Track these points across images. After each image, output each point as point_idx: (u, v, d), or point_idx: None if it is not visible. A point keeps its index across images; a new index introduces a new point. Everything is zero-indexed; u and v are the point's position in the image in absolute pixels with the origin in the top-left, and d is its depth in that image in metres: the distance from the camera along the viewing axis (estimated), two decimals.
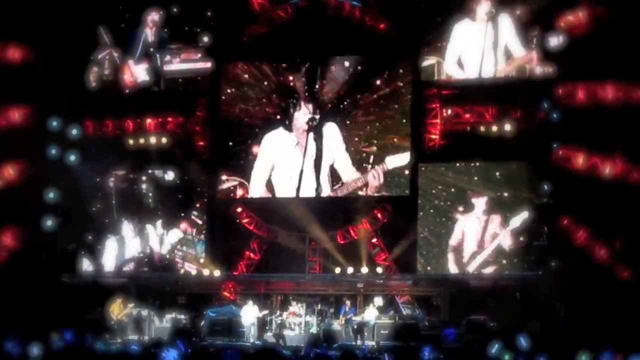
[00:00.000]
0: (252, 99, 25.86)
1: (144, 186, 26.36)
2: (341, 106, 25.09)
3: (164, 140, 26.04)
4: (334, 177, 25.02)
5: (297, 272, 25.25)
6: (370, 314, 22.99)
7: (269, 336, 23.10)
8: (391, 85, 24.85)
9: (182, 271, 25.85)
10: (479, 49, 24.00)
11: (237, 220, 25.90)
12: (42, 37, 23.95)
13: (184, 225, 25.84)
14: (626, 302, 19.33)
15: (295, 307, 23.87)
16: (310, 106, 25.13)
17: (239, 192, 25.75)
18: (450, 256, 23.97)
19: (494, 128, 23.77)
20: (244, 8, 25.87)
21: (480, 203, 23.84)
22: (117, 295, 24.02)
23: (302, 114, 25.14)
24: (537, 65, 23.25)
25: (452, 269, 23.98)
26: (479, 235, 23.75)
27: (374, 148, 24.83)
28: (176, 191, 26.05)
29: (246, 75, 25.95)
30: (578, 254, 21.07)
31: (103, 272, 25.76)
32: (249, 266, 25.81)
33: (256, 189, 25.59)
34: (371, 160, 24.75)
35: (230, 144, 25.86)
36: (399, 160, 24.48)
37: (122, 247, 25.96)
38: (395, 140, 24.76)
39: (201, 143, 26.28)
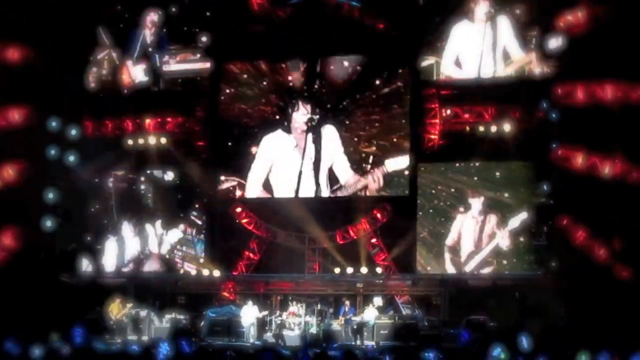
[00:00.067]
0: (251, 99, 25.87)
1: (143, 186, 26.39)
2: (340, 106, 25.09)
3: (163, 140, 26.05)
4: (333, 179, 25.03)
5: (296, 272, 25.26)
6: (370, 314, 22.97)
7: (269, 336, 23.09)
8: (390, 85, 24.85)
9: (181, 271, 25.86)
10: (477, 49, 24.01)
11: (237, 221, 25.92)
12: (42, 38, 23.95)
13: (183, 225, 25.85)
14: (626, 302, 19.34)
15: (295, 308, 23.86)
16: (309, 106, 25.14)
17: (238, 193, 25.77)
18: (447, 256, 23.98)
19: (493, 128, 23.78)
20: (243, 8, 25.88)
21: (476, 203, 23.86)
22: (116, 295, 24.02)
23: (301, 114, 25.15)
24: (536, 65, 23.26)
25: (449, 268, 24.00)
26: (476, 235, 23.75)
27: (374, 148, 24.83)
28: (175, 191, 26.06)
29: (245, 75, 25.96)
30: (577, 254, 21.07)
31: (103, 272, 25.76)
32: (249, 266, 25.82)
33: (252, 190, 25.59)
34: (370, 161, 24.76)
35: (230, 144, 25.89)
36: (399, 163, 24.49)
37: (121, 248, 25.96)
38: (394, 140, 24.76)
39: (200, 143, 26.30)
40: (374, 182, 24.63)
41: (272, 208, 25.66)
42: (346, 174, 24.93)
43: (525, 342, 17.87)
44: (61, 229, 24.83)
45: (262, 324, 23.28)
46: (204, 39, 25.89)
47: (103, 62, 26.46)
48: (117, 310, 23.69)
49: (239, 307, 24.00)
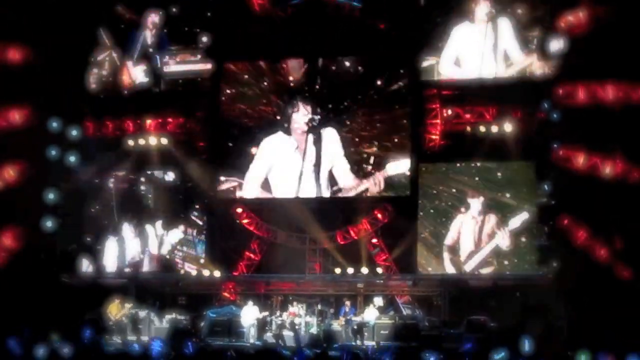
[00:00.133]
0: (251, 99, 25.87)
1: (143, 187, 26.39)
2: (341, 106, 25.08)
3: (163, 141, 26.05)
4: (333, 182, 25.01)
5: (297, 272, 25.24)
6: (371, 314, 22.95)
7: (269, 337, 23.06)
8: (391, 85, 24.85)
9: (182, 272, 25.84)
10: (478, 50, 24.01)
11: (237, 221, 25.91)
12: (43, 38, 23.94)
13: (183, 225, 25.84)
14: (626, 302, 19.31)
15: (295, 308, 23.83)
16: (309, 107, 25.13)
17: (239, 193, 25.75)
18: (446, 255, 23.97)
19: (494, 128, 23.78)
20: (244, 8, 25.88)
21: (475, 203, 23.86)
22: (115, 295, 24.01)
23: (301, 115, 25.14)
24: (536, 66, 23.25)
25: (449, 268, 23.99)
26: (476, 235, 23.75)
27: (375, 149, 24.82)
28: (176, 192, 26.06)
29: (245, 76, 25.96)
30: (578, 254, 21.04)
31: (103, 272, 25.75)
32: (249, 267, 25.81)
33: (249, 189, 25.58)
34: (372, 161, 24.74)
35: (230, 144, 25.88)
36: (400, 166, 24.46)
37: (122, 248, 25.95)
38: (395, 140, 24.75)
39: (201, 144, 26.30)
40: (374, 185, 24.63)
41: (273, 208, 25.66)
42: (346, 177, 24.91)
43: (527, 345, 17.86)
44: (61, 229, 24.83)
45: (262, 324, 23.25)
46: (204, 39, 25.90)
47: (104, 62, 26.48)
48: (116, 310, 23.68)
49: (239, 307, 23.99)
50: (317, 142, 25.01)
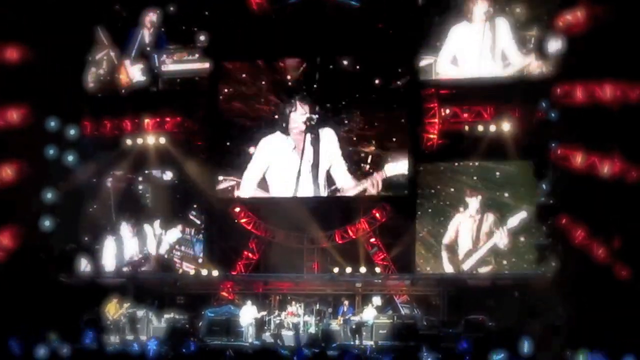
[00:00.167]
0: (249, 98, 25.87)
1: (141, 186, 26.38)
2: (339, 106, 25.07)
3: (162, 140, 26.03)
4: (331, 182, 25.01)
5: (295, 272, 25.25)
6: (369, 314, 22.95)
7: (267, 336, 23.06)
8: (389, 84, 24.84)
9: (180, 271, 25.85)
10: (475, 50, 24.01)
11: (236, 220, 25.90)
12: (41, 37, 23.86)
13: (182, 225, 25.82)
14: (625, 302, 19.30)
15: (294, 307, 23.82)
16: (307, 106, 25.11)
17: (237, 192, 25.74)
18: (444, 254, 24.01)
19: (492, 127, 23.80)
20: (242, 7, 25.85)
21: (473, 202, 23.87)
22: (113, 295, 24.00)
23: (299, 114, 25.13)
24: (534, 66, 23.24)
25: (447, 267, 24.00)
26: (474, 234, 23.79)
27: (373, 148, 24.81)
28: (174, 191, 26.06)
29: (244, 75, 25.95)
30: (577, 254, 21.03)
31: (101, 272, 25.74)
32: (247, 266, 25.82)
33: (246, 188, 25.57)
34: (369, 160, 24.73)
35: (228, 143, 25.87)
36: (398, 168, 24.46)
37: (120, 247, 25.94)
38: (394, 140, 24.76)
39: (199, 143, 26.29)
40: (372, 186, 24.64)
41: (271, 208, 25.65)
42: (344, 178, 24.92)
43: (525, 344, 17.84)
44: (59, 228, 24.78)
45: (260, 324, 23.25)
46: (202, 38, 25.86)
47: (102, 61, 26.47)
48: (114, 310, 23.68)
49: (237, 307, 23.99)
50: (315, 142, 25.00)
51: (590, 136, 21.15)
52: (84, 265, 25.61)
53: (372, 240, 25.12)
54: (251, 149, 25.57)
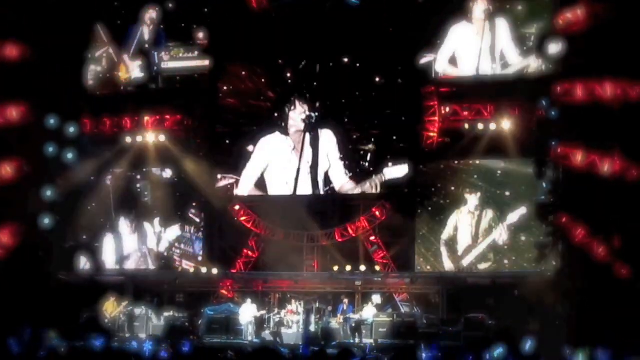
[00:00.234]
0: (249, 97, 25.83)
1: (141, 184, 26.35)
2: (339, 104, 25.05)
3: (161, 137, 26.00)
4: (329, 184, 24.98)
5: (295, 270, 25.21)
6: (369, 312, 22.95)
7: (267, 334, 23.05)
8: (389, 82, 24.80)
9: (180, 269, 25.84)
10: (475, 49, 23.98)
11: (235, 218, 25.87)
12: (40, 35, 23.86)
13: (181, 223, 25.80)
14: (625, 300, 19.30)
15: (293, 305, 23.82)
16: (307, 105, 25.08)
17: (236, 191, 25.73)
18: (444, 250, 24.00)
19: (493, 126, 23.76)
20: (241, 5, 25.81)
21: (472, 198, 23.86)
22: (111, 293, 23.99)
23: (298, 114, 25.10)
24: (534, 66, 23.23)
25: (446, 263, 24.00)
26: (473, 230, 23.78)
27: (372, 146, 24.79)
28: (174, 189, 26.02)
29: (243, 73, 25.91)
30: (577, 252, 21.03)
31: (101, 269, 25.73)
32: (247, 264, 25.79)
33: (244, 187, 25.55)
34: (369, 159, 24.71)
35: (227, 141, 25.85)
36: (398, 171, 24.42)
37: (119, 245, 25.92)
38: (393, 138, 24.73)
39: (199, 141, 26.26)
40: (371, 188, 24.64)
41: (271, 206, 25.62)
42: (342, 180, 24.90)
43: (525, 343, 17.82)
44: (59, 226, 24.77)
45: (260, 322, 23.24)
46: (201, 35, 25.83)
47: (101, 59, 26.45)
48: (112, 308, 23.69)
49: (237, 305, 23.98)
50: (314, 143, 24.97)
51: (590, 134, 21.15)
52: (83, 263, 25.60)
53: (372, 238, 25.09)
54: (250, 148, 25.55)
